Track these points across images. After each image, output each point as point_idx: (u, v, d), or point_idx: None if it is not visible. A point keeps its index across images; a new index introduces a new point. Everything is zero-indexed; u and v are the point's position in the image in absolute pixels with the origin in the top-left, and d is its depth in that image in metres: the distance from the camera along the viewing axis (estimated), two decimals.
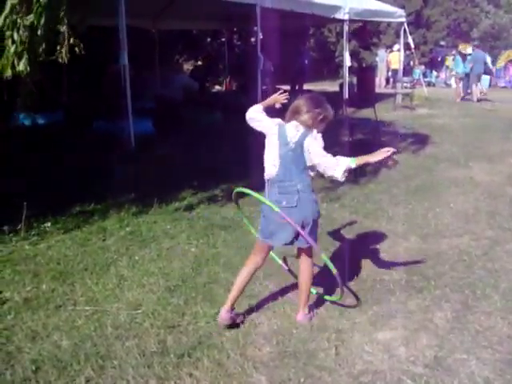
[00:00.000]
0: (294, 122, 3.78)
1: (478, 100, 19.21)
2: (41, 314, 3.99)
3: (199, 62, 23.61)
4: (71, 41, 4.72)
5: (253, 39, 21.16)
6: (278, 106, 4.15)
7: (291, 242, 3.82)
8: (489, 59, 20.33)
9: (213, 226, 5.87)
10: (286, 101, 4.14)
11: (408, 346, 3.60)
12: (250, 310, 4.01)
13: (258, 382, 3.22)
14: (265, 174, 3.83)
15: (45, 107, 12.12)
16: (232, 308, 3.83)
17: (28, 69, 4.56)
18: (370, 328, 3.83)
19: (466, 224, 6.04)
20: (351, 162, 3.67)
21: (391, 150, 3.74)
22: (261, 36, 13.29)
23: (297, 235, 3.77)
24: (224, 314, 3.79)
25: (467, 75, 19.45)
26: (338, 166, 3.66)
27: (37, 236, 5.49)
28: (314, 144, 3.70)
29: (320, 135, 3.76)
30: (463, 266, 4.90)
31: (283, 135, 3.74)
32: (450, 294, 4.32)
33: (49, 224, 5.76)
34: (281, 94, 4.17)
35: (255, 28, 13.20)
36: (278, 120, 3.89)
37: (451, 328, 3.82)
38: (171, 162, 8.76)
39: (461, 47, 22.85)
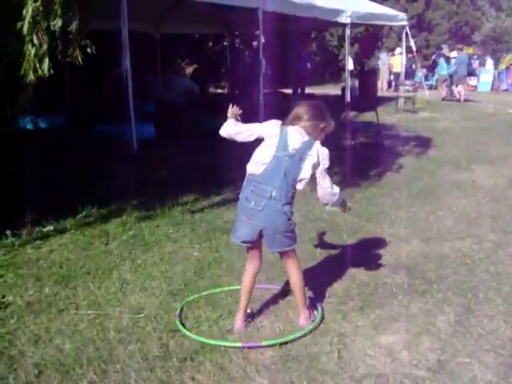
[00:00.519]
0: (296, 127, 3.73)
1: (465, 100, 19.96)
2: (43, 317, 3.99)
3: (194, 65, 23.64)
4: (82, 42, 4.73)
5: (255, 43, 21.21)
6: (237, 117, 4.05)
7: (251, 242, 3.76)
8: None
9: (215, 230, 5.87)
10: (240, 111, 4.06)
11: (410, 349, 3.59)
12: (253, 314, 4.00)
13: None
14: (247, 168, 3.75)
15: (47, 111, 12.17)
16: (245, 314, 3.85)
17: (52, 71, 4.58)
18: (373, 332, 3.82)
19: (468, 227, 6.04)
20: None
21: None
22: (263, 40, 13.31)
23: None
24: (240, 324, 3.79)
25: (451, 76, 20.41)
26: (333, 196, 3.75)
27: (39, 240, 5.49)
28: (323, 160, 3.69)
29: (327, 152, 3.72)
30: (466, 269, 4.89)
31: (284, 138, 3.68)
32: (452, 298, 4.31)
33: (51, 228, 5.77)
34: (233, 106, 4.09)
35: (257, 32, 13.22)
36: (276, 121, 3.84)
37: (454, 331, 3.81)
38: (173, 166, 8.77)
39: (444, 51, 23.20)
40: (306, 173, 3.65)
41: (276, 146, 3.66)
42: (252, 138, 3.86)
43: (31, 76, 4.53)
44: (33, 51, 4.46)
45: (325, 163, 3.70)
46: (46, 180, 7.52)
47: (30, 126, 12.50)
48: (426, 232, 5.88)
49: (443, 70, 21.24)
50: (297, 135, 3.69)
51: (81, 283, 4.58)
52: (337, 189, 3.75)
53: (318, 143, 3.71)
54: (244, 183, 3.81)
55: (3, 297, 4.31)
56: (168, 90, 16.76)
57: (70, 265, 4.96)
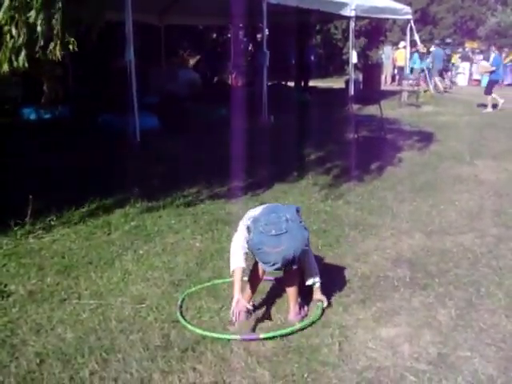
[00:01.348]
0: None
1: (445, 91, 20.94)
2: (45, 307, 4.01)
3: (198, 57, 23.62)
4: (65, 38, 4.68)
5: (259, 35, 21.17)
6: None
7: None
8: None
9: (217, 221, 5.87)
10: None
11: (411, 342, 3.60)
12: (254, 306, 4.01)
13: (261, 376, 3.22)
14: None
15: (50, 102, 12.15)
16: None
17: (26, 64, 4.55)
18: (374, 324, 3.83)
19: (470, 221, 6.03)
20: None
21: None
22: (267, 32, 13.28)
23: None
24: (243, 315, 3.80)
25: (423, 70, 20.97)
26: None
27: (42, 230, 5.50)
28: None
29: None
30: (467, 263, 4.89)
31: None
32: (453, 292, 4.31)
33: (54, 218, 5.77)
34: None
35: (261, 24, 13.19)
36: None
37: (455, 325, 3.81)
38: (176, 157, 8.77)
39: (419, 47, 23.67)
40: None
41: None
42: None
43: (5, 67, 4.51)
44: (10, 43, 4.43)
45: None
46: (49, 170, 7.52)
47: (33, 117, 12.49)
48: (428, 226, 5.87)
49: (415, 64, 21.76)
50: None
51: (83, 273, 4.59)
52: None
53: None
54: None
55: (5, 286, 4.33)
56: (172, 81, 16.74)
57: (72, 255, 4.97)
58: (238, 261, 3.69)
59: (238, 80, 19.47)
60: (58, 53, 4.64)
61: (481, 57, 28.54)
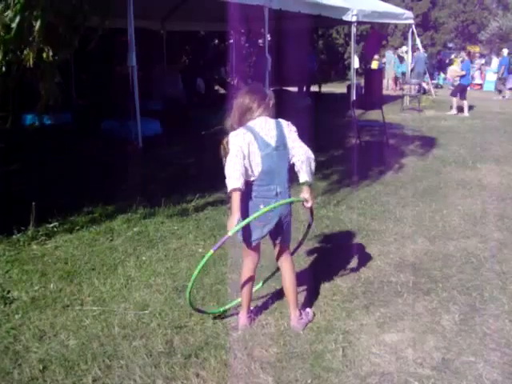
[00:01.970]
0: (258, 120, 3.62)
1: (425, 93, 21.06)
2: (48, 313, 4.01)
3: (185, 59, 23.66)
4: (40, 45, 4.63)
5: (260, 41, 21.19)
6: None
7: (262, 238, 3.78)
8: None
9: (220, 227, 5.86)
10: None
11: (415, 348, 3.59)
12: (257, 311, 4.00)
13: (264, 382, 3.21)
14: (234, 185, 3.51)
15: (53, 108, 12.17)
16: (249, 310, 3.87)
17: (3, 69, 4.51)
18: (377, 330, 3.82)
19: (473, 226, 6.02)
20: None
21: None
22: (269, 38, 13.30)
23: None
24: (244, 320, 3.81)
25: (403, 74, 21.43)
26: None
27: (44, 236, 5.50)
28: (291, 129, 3.70)
29: (289, 122, 3.73)
30: (471, 268, 4.88)
31: (259, 137, 3.56)
32: (457, 297, 4.30)
33: (56, 224, 5.77)
34: None
35: (262, 30, 13.21)
36: (236, 132, 3.61)
37: (459, 330, 3.80)
38: (178, 163, 8.78)
39: (399, 51, 24.37)
40: (294, 151, 3.64)
41: (257, 148, 3.54)
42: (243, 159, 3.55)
43: None
44: None
45: (295, 130, 3.70)
46: (52, 176, 7.53)
47: (36, 123, 12.50)
48: (432, 230, 5.86)
49: (397, 67, 22.71)
50: (265, 126, 3.60)
51: (86, 279, 4.59)
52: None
53: (281, 120, 3.69)
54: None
55: (8, 292, 4.33)
56: (174, 87, 16.75)
57: (74, 261, 4.97)
58: (235, 182, 3.48)
59: (240, 85, 19.47)
60: (30, 59, 4.61)
61: (482, 61, 28.61)
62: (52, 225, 5.74)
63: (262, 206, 3.57)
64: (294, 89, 19.38)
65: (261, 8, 12.07)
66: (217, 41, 24.68)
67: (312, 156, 3.67)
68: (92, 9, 4.85)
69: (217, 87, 20.33)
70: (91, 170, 8.03)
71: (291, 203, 3.76)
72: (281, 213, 3.66)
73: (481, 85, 26.71)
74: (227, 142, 3.61)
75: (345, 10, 14.87)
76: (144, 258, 5.06)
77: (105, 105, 12.95)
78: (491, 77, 26.20)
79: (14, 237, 5.39)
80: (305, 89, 19.49)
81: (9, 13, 4.31)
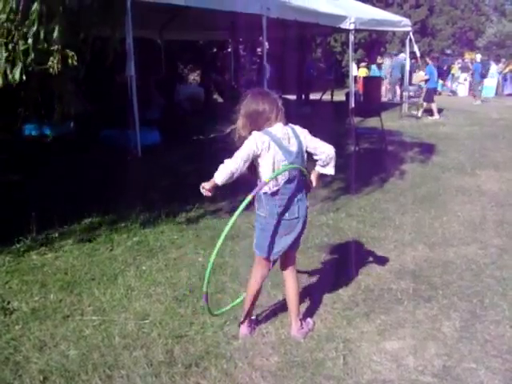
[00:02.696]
0: (276, 127, 3.58)
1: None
2: (48, 324, 4.00)
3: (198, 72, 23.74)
4: (65, 51, 4.66)
5: (259, 49, 21.27)
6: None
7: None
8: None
9: (220, 236, 5.84)
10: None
11: (416, 355, 3.58)
12: (258, 320, 4.00)
13: None
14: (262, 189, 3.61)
15: (52, 117, 12.18)
16: (251, 320, 3.87)
17: (24, 78, 4.53)
18: (378, 337, 3.82)
19: (473, 232, 6.02)
20: None
21: None
22: (267, 46, 13.33)
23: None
24: (245, 329, 3.82)
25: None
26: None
27: (44, 246, 5.50)
28: (306, 135, 3.71)
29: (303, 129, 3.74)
30: (471, 274, 4.88)
31: (282, 144, 3.55)
32: (458, 303, 4.30)
33: (56, 234, 5.78)
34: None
35: (261, 38, 13.25)
36: (258, 133, 3.56)
37: (460, 337, 3.80)
38: (178, 172, 8.78)
39: (378, 58, 24.99)
40: (320, 150, 3.72)
41: (281, 154, 3.54)
42: (248, 164, 3.60)
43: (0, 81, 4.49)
44: (5, 55, 4.41)
45: (307, 132, 3.73)
46: (51, 186, 7.53)
47: (35, 133, 12.52)
48: (431, 237, 5.87)
49: (374, 72, 23.06)
50: (285, 133, 3.59)
51: (86, 289, 4.59)
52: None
53: (294, 126, 3.69)
54: (262, 200, 3.68)
55: (8, 303, 4.33)
56: (173, 96, 16.77)
57: (74, 271, 4.97)
58: (220, 178, 3.64)
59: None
60: (55, 67, 4.62)
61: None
62: (52, 235, 5.75)
63: (287, 215, 3.62)
64: (293, 96, 19.43)
65: (259, 17, 12.11)
66: (215, 50, 24.74)
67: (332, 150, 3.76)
68: (101, 20, 4.88)
69: (215, 96, 20.36)
70: (90, 179, 8.03)
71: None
72: (302, 215, 3.69)
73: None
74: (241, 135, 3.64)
75: (343, 18, 14.92)
76: (144, 268, 5.05)
77: (104, 114, 12.96)
78: (490, 82, 26.26)
79: (14, 247, 5.40)
80: (303, 96, 19.53)
81: (32, 28, 4.33)
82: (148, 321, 4.04)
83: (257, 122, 3.57)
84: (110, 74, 14.37)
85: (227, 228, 3.44)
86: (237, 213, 3.45)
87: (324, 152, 3.70)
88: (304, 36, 19.75)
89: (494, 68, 27.02)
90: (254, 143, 3.50)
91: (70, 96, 5.16)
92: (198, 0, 10.72)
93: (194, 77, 24.95)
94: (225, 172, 3.56)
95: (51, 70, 4.65)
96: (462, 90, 26.81)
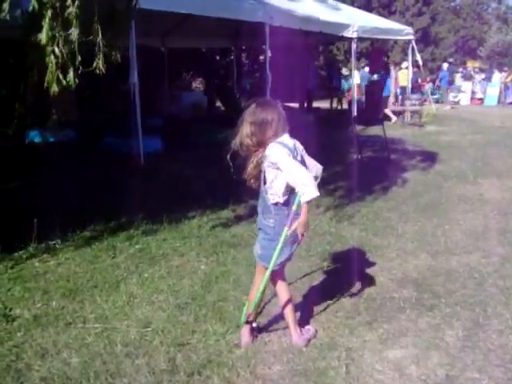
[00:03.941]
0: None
1: None
2: (50, 331, 4.00)
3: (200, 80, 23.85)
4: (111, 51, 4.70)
5: (261, 57, 21.31)
6: None
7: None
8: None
9: (222, 244, 5.86)
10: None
11: (419, 364, 3.57)
12: (260, 328, 3.99)
13: None
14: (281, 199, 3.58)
15: (55, 124, 12.24)
16: (252, 328, 3.86)
17: (77, 81, 4.56)
18: (381, 346, 3.80)
19: (476, 241, 6.01)
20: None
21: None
22: (269, 54, 13.37)
23: None
24: (247, 338, 3.80)
25: (349, 89, 22.03)
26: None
27: (46, 253, 5.50)
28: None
29: None
30: (474, 283, 4.87)
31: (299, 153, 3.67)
32: (460, 312, 4.29)
33: (58, 241, 5.78)
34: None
35: (264, 46, 13.29)
36: (282, 146, 3.52)
37: (462, 346, 3.79)
38: (180, 180, 8.79)
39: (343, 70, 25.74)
40: (311, 168, 3.70)
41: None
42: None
43: (55, 87, 4.50)
44: (54, 62, 4.45)
45: (303, 148, 3.73)
46: (54, 193, 7.54)
47: (38, 139, 12.56)
48: (434, 246, 5.86)
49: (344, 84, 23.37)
50: (294, 144, 3.64)
51: (88, 297, 4.58)
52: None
53: (296, 141, 3.71)
54: (271, 210, 3.64)
55: (10, 310, 4.32)
56: (176, 104, 16.84)
57: (77, 278, 4.96)
58: (315, 190, 3.38)
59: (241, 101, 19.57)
60: (101, 66, 4.66)
61: (482, 75, 28.74)
62: (54, 242, 5.75)
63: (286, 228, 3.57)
64: (296, 105, 19.46)
65: (262, 25, 12.16)
66: (218, 57, 24.81)
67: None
68: (107, 28, 4.90)
69: (218, 103, 20.39)
70: (93, 186, 8.04)
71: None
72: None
73: (481, 99, 26.77)
74: (263, 157, 3.56)
75: (345, 27, 14.98)
76: (146, 275, 5.05)
77: (107, 121, 13.01)
78: (492, 91, 26.31)
79: (16, 254, 5.40)
80: (306, 105, 19.56)
81: (72, 30, 4.36)
82: (150, 328, 4.03)
83: (265, 132, 3.55)
84: (113, 81, 14.43)
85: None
86: (274, 257, 3.55)
87: (315, 171, 3.69)
88: (306, 44, 19.79)
89: (496, 77, 27.08)
90: (286, 152, 3.48)
91: (66, 104, 5.19)
92: (201, 8, 10.75)
93: (196, 84, 25.03)
94: (311, 183, 3.40)
95: (97, 70, 4.68)
96: (464, 98, 26.84)
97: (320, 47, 28.05)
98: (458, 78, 28.22)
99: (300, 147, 3.70)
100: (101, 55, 4.60)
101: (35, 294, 4.60)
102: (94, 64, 4.61)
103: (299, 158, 3.61)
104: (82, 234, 6.04)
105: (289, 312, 3.85)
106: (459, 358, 3.64)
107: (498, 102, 25.74)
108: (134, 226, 6.29)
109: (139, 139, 9.77)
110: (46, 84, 4.50)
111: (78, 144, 11.98)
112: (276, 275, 3.80)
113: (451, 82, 27.65)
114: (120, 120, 10.93)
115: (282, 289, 3.87)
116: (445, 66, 27.41)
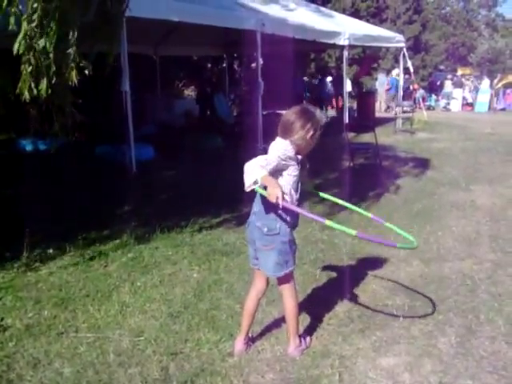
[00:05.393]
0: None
1: None
2: (42, 341, 3.97)
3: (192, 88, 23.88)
4: (80, 63, 4.71)
5: (253, 65, 21.34)
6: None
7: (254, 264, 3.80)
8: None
9: (214, 252, 5.86)
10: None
11: (412, 371, 3.57)
12: (253, 337, 3.98)
13: None
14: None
15: (46, 133, 12.20)
16: (247, 337, 3.84)
17: (49, 91, 4.56)
18: (374, 354, 3.80)
19: (468, 248, 6.03)
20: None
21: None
22: (261, 61, 13.39)
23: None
24: (240, 347, 3.78)
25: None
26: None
27: (38, 262, 5.48)
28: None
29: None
30: (466, 290, 4.88)
31: None
32: (453, 319, 4.30)
33: (50, 250, 5.75)
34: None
35: (255, 54, 13.31)
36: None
37: (455, 353, 3.79)
38: (172, 188, 8.78)
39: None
40: None
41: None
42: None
43: (26, 95, 4.52)
44: (29, 70, 4.45)
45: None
46: (46, 202, 7.51)
47: (29, 148, 12.52)
48: (426, 253, 5.87)
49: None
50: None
51: (80, 306, 4.57)
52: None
53: None
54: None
55: (2, 319, 4.30)
56: (168, 111, 16.82)
57: (69, 287, 4.94)
58: (259, 171, 3.45)
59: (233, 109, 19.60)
60: (74, 78, 4.66)
61: (475, 83, 28.90)
62: (46, 251, 5.73)
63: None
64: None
65: (254, 32, 12.18)
66: (210, 65, 24.84)
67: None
68: (100, 35, 4.91)
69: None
70: (85, 194, 8.02)
71: None
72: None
73: (472, 105, 26.93)
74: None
75: (337, 34, 15.05)
76: (139, 284, 5.03)
77: (99, 129, 12.98)
78: (482, 98, 26.46)
79: (7, 263, 5.37)
80: None
81: (46, 40, 4.36)
82: (143, 338, 4.01)
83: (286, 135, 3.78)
84: (106, 89, 14.40)
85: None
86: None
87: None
88: (297, 51, 19.86)
89: (486, 83, 27.23)
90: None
91: (70, 108, 5.19)
92: (192, 16, 10.76)
93: (188, 92, 25.03)
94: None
95: (70, 82, 4.69)
96: (455, 104, 26.99)
97: (311, 55, 28.10)
98: (448, 84, 28.33)
99: None
100: (73, 66, 4.61)
101: (27, 304, 4.57)
102: (65, 75, 4.61)
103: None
104: (74, 243, 6.01)
105: (293, 320, 3.79)
106: (452, 365, 3.64)
107: (489, 108, 25.90)
108: (127, 235, 6.27)
109: (131, 147, 9.75)
110: (17, 91, 4.51)
111: (70, 152, 11.94)
112: (288, 279, 3.74)
113: (439, 89, 27.65)
114: (112, 128, 10.91)
115: (291, 294, 3.76)
116: (394, 72, 24.35)
